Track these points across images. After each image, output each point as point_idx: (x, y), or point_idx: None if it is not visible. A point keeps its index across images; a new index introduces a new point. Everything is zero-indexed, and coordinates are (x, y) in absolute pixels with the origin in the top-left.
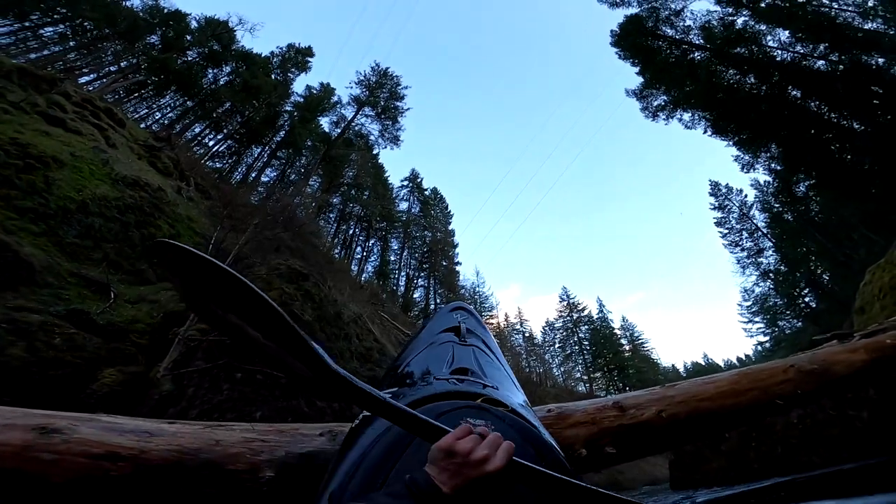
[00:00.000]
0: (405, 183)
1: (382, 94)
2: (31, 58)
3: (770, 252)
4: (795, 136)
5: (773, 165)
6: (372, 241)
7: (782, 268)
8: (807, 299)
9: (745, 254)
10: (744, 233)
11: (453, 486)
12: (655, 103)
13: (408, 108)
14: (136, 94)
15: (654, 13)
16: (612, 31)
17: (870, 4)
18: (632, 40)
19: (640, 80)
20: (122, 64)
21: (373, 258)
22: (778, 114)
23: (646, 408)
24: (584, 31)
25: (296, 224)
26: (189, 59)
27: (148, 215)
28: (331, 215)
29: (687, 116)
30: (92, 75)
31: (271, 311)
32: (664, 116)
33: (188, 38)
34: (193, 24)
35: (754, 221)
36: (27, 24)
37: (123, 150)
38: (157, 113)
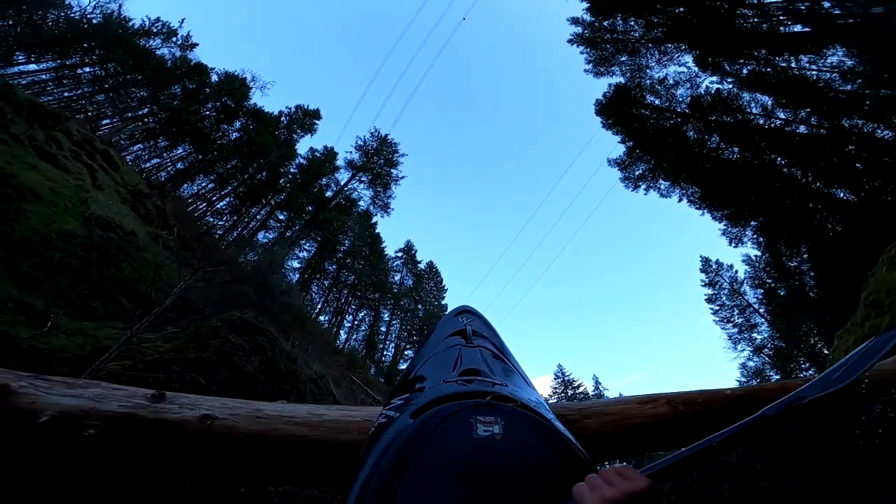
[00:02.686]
0: (399, 254)
1: (378, 161)
2: (65, 95)
3: (764, 327)
4: (780, 207)
5: (761, 239)
6: (364, 312)
7: (781, 344)
8: (810, 372)
9: (737, 330)
10: (735, 309)
11: None
12: (637, 173)
13: (403, 176)
14: (150, 142)
15: (638, 82)
16: (596, 100)
17: (849, 65)
18: (615, 108)
19: (623, 148)
20: (142, 111)
21: (364, 328)
22: (763, 183)
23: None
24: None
25: (267, 284)
26: (205, 112)
27: (112, 256)
28: (325, 282)
29: (665, 186)
30: (115, 119)
31: None
32: (644, 186)
33: (207, 90)
34: (214, 77)
35: (745, 298)
36: (68, 62)
37: (109, 192)
38: (169, 163)
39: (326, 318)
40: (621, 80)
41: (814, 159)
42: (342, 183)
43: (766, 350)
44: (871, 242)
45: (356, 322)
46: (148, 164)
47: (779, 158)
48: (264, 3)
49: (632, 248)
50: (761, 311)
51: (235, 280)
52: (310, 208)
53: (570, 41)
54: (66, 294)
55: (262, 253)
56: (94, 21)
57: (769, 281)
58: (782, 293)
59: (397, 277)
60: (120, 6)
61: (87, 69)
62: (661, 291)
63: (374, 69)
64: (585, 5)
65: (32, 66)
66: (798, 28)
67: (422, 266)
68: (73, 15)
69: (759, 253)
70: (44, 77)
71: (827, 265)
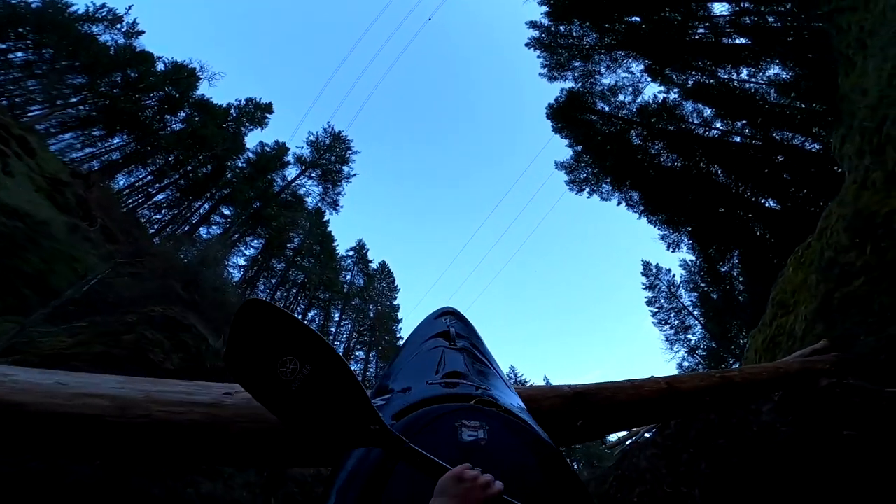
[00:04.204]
0: (350, 253)
1: (329, 157)
2: None
3: (698, 328)
4: (714, 214)
5: (695, 245)
6: (313, 312)
7: (713, 344)
8: None
9: (673, 331)
10: (672, 311)
11: None
12: (582, 176)
13: (354, 174)
14: (83, 131)
15: (589, 87)
16: (549, 104)
17: (783, 78)
18: (565, 113)
19: (571, 152)
20: (76, 99)
21: (313, 328)
22: (698, 191)
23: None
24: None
25: (198, 280)
26: (148, 102)
27: (18, 246)
28: (272, 280)
29: (607, 190)
30: (45, 105)
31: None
32: (588, 190)
33: (151, 79)
34: (161, 66)
35: (681, 301)
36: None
37: (21, 178)
38: (104, 153)
39: None
40: (573, 85)
41: (746, 169)
42: (289, 178)
43: (699, 351)
44: (794, 249)
45: (305, 322)
46: (80, 154)
47: (714, 167)
48: None
49: (583, 252)
50: (695, 313)
51: (163, 275)
52: (256, 204)
53: (527, 45)
54: None
55: (194, 248)
56: (33, 5)
57: (703, 285)
58: (714, 297)
59: (348, 276)
60: None
61: (20, 54)
62: (612, 293)
63: (334, 66)
64: (544, 9)
65: None
66: (742, 41)
67: (374, 266)
68: None
69: (693, 258)
70: None
71: (754, 270)
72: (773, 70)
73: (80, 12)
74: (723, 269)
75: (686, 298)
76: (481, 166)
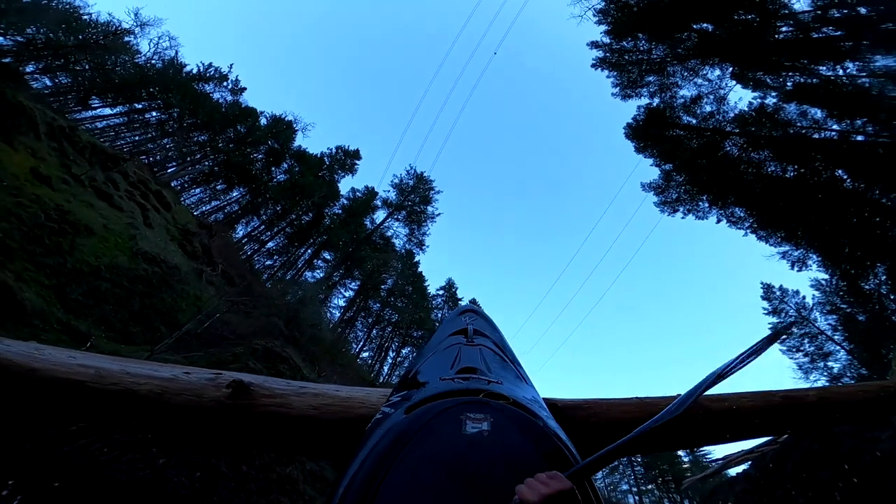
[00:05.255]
0: (441, 292)
1: (414, 198)
2: (136, 139)
3: (841, 354)
4: (845, 225)
5: (826, 261)
6: (407, 349)
7: (864, 371)
8: None
9: (808, 359)
10: (805, 337)
11: None
12: (673, 196)
13: (438, 213)
14: (209, 185)
15: (669, 101)
16: (627, 123)
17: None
18: (646, 130)
19: (658, 172)
20: (200, 155)
21: (406, 364)
22: (822, 200)
23: None
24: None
25: (298, 318)
26: (255, 155)
27: (155, 287)
28: (369, 320)
29: (704, 208)
30: (178, 161)
31: None
32: (682, 210)
33: (256, 133)
34: (263, 120)
35: (816, 325)
36: (137, 106)
37: (158, 229)
38: (226, 205)
39: (369, 354)
40: (650, 101)
41: (878, 170)
42: (378, 222)
43: (845, 379)
44: None
45: (399, 359)
46: (207, 207)
47: (838, 171)
48: (299, 47)
49: (683, 280)
50: (835, 337)
51: (269, 314)
52: (350, 249)
53: (593, 66)
54: (109, 320)
55: (297, 290)
56: (157, 66)
57: (843, 306)
58: (861, 318)
59: (439, 315)
60: (176, 52)
61: (154, 114)
62: (719, 322)
63: (411, 109)
64: (604, 28)
65: (107, 111)
66: (835, 34)
67: (464, 303)
68: (137, 60)
69: (827, 276)
70: (117, 121)
71: None
72: (883, 62)
73: (194, 72)
74: (867, 287)
75: (822, 322)
76: (568, 196)
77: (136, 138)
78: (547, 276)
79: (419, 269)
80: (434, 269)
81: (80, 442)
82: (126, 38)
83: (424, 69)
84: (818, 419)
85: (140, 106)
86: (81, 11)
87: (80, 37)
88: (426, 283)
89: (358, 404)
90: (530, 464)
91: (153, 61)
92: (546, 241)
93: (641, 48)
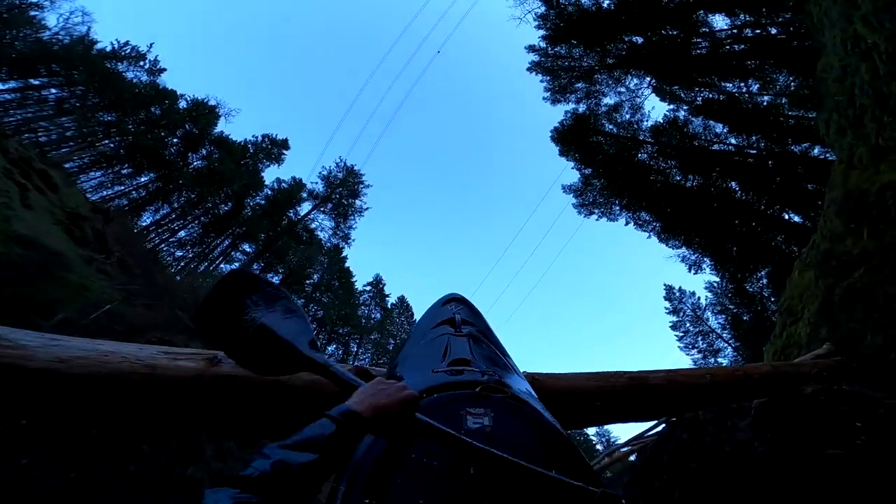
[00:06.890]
0: (368, 288)
1: (341, 191)
2: (28, 116)
3: (728, 352)
4: (735, 232)
5: (718, 265)
6: (333, 346)
7: None
8: None
9: (701, 355)
10: (699, 336)
11: (373, 410)
12: (590, 199)
13: (367, 208)
14: (112, 169)
15: (594, 109)
16: (554, 127)
17: (794, 86)
18: (571, 135)
19: (578, 175)
20: (103, 136)
21: (333, 360)
22: (716, 208)
23: None
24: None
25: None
26: (170, 140)
27: (31, 276)
28: None
29: (616, 210)
30: (77, 142)
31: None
32: (598, 212)
33: (174, 116)
34: (182, 104)
35: (708, 324)
36: (33, 82)
37: (41, 211)
38: (132, 190)
39: None
40: (577, 107)
41: (766, 184)
42: (302, 214)
43: None
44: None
45: (325, 355)
46: (110, 192)
47: (732, 183)
48: (237, 30)
49: (604, 281)
50: (724, 335)
51: (175, 307)
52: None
53: (528, 69)
54: None
55: (208, 282)
56: (64, 42)
57: (731, 307)
58: (745, 318)
59: (366, 311)
60: (89, 28)
61: (53, 91)
62: (637, 320)
63: (347, 101)
64: (542, 33)
65: None
66: (745, 53)
67: (392, 300)
68: (41, 35)
69: (718, 279)
70: (6, 97)
71: (785, 288)
72: (784, 80)
73: (107, 49)
74: (751, 289)
75: (714, 321)
76: (499, 197)
77: (29, 115)
78: (479, 274)
79: (346, 265)
80: (363, 266)
81: None
82: (32, 13)
83: (366, 63)
84: (666, 403)
85: (37, 82)
86: None
87: None
88: (353, 279)
89: (120, 359)
90: (535, 457)
91: (59, 36)
92: (479, 238)
93: (574, 55)
